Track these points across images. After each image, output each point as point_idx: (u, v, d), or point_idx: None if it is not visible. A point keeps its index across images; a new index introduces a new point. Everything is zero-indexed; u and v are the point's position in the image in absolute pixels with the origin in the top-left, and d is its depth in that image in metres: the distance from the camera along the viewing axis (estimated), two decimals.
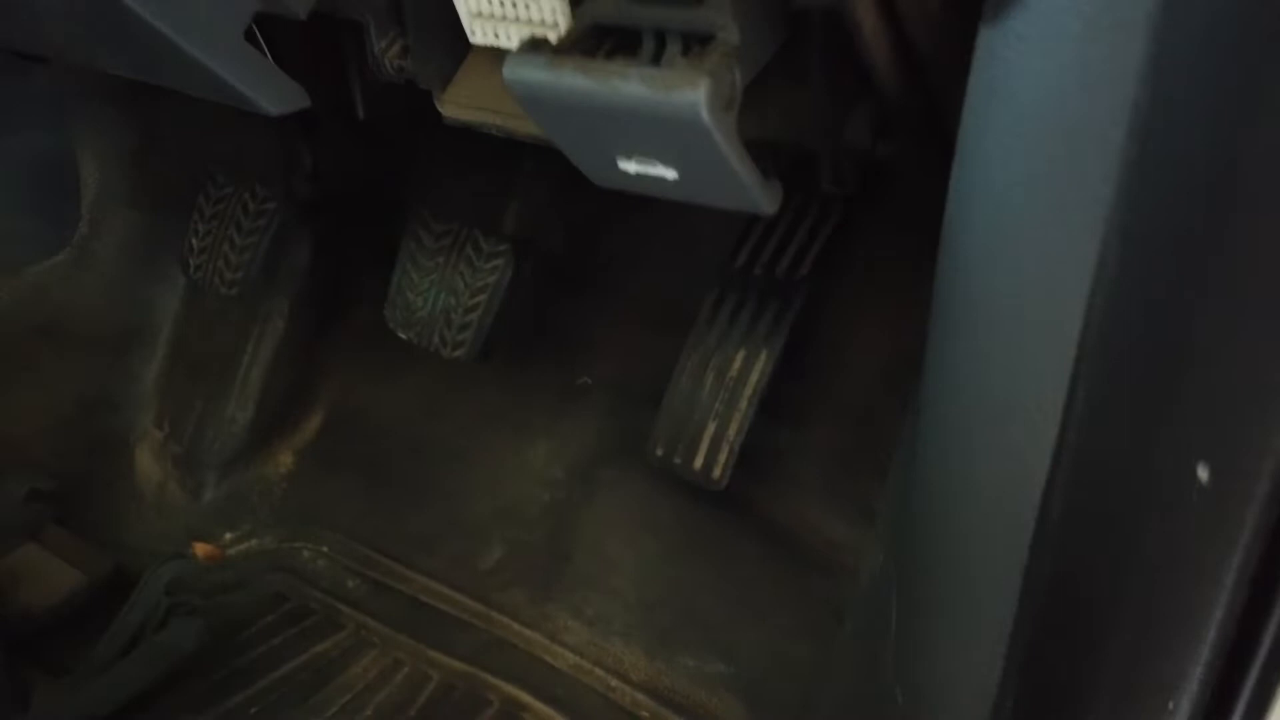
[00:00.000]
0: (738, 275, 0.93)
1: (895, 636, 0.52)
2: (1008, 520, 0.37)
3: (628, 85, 0.39)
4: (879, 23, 0.34)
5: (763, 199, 0.44)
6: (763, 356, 0.89)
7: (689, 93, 0.37)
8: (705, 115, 0.38)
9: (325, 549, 1.20)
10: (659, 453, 0.93)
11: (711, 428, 0.90)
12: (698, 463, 0.90)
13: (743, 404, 0.89)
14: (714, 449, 0.90)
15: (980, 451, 0.39)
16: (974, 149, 0.35)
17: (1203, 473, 0.30)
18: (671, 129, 0.39)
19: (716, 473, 0.89)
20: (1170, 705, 0.35)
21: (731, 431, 0.89)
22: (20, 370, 1.21)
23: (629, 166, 0.45)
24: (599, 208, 1.20)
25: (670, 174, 0.44)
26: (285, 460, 1.31)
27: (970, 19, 0.33)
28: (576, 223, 1.21)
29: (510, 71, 0.42)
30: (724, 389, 0.90)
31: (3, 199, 1.20)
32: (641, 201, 1.17)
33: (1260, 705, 0.34)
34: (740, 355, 0.90)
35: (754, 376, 0.89)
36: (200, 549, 1.21)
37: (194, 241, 1.11)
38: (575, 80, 0.40)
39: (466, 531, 1.16)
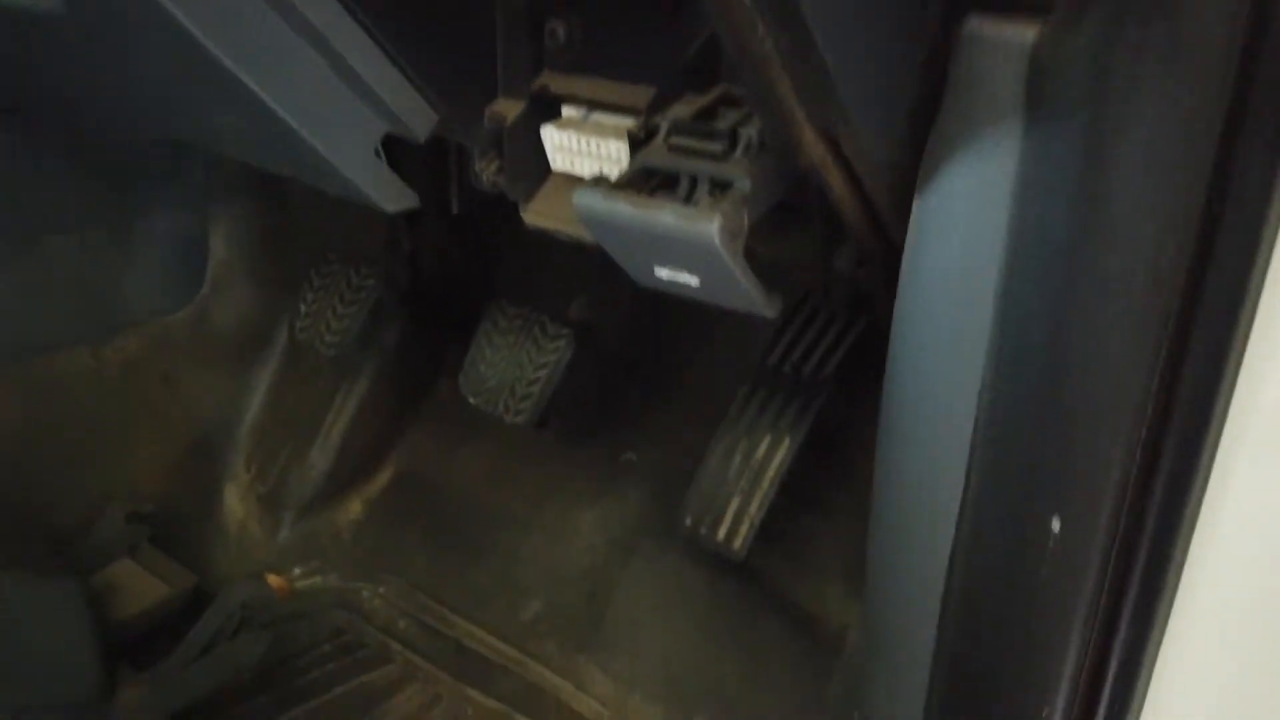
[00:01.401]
0: (769, 373, 1.05)
1: (860, 677, 0.62)
2: (927, 574, 0.48)
3: (662, 216, 0.52)
4: (846, 188, 0.47)
5: (765, 305, 0.57)
6: (786, 443, 1.00)
7: (706, 225, 0.51)
8: (717, 241, 0.51)
9: (382, 591, 1.32)
10: (687, 522, 1.04)
11: (735, 503, 1.01)
12: (721, 533, 1.01)
13: (765, 484, 1.00)
14: (736, 522, 1.00)
15: (908, 524, 0.50)
16: (907, 283, 0.47)
17: (1055, 524, 0.41)
18: (693, 250, 0.53)
19: (737, 544, 1.00)
20: (1045, 711, 0.45)
21: (753, 508, 1.00)
22: (141, 410, 1.38)
23: (662, 273, 0.58)
24: (664, 310, 1.35)
25: (694, 281, 0.57)
26: (355, 509, 1.45)
27: (908, 191, 0.46)
28: (641, 320, 1.35)
29: (578, 199, 0.56)
30: (749, 469, 1.01)
31: (144, 263, 1.39)
32: (701, 307, 1.32)
33: (1120, 709, 0.44)
34: (766, 441, 1.01)
35: (777, 460, 1.00)
36: (272, 581, 1.35)
37: (302, 307, 1.29)
38: (624, 209, 0.54)
39: (511, 587, 1.27)
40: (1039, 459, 0.41)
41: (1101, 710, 0.44)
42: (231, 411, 1.47)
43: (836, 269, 0.57)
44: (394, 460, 1.48)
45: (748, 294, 0.56)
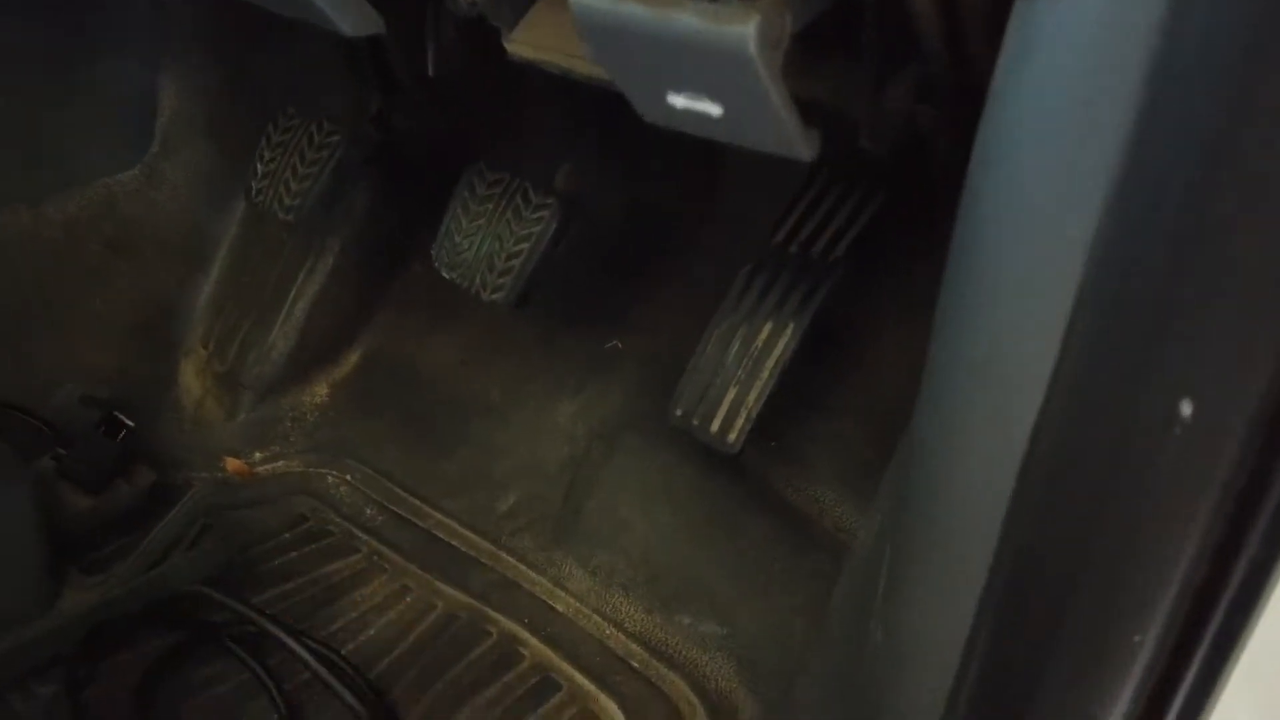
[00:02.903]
0: (774, 252, 0.95)
1: (884, 585, 0.54)
2: (997, 463, 0.40)
3: (683, 17, 0.42)
4: None
5: (801, 143, 0.47)
6: (789, 330, 0.91)
7: (739, 27, 0.40)
8: (753, 49, 0.40)
9: (349, 478, 1.24)
10: (678, 413, 0.96)
11: (732, 393, 0.92)
12: (715, 426, 0.93)
13: (764, 374, 0.91)
14: (732, 414, 0.92)
15: (976, 401, 0.41)
16: (1000, 105, 0.37)
17: (1186, 408, 0.32)
18: (720, 62, 0.42)
19: (732, 437, 0.92)
20: (1136, 638, 0.37)
21: (751, 399, 0.92)
22: (86, 279, 1.27)
23: (677, 101, 0.47)
24: (655, 189, 1.24)
25: (715, 110, 0.46)
26: (320, 392, 1.36)
27: None
28: (634, 199, 1.24)
29: (576, 0, 0.45)
30: (748, 358, 0.92)
31: (86, 117, 1.26)
32: (699, 186, 1.21)
33: (1227, 641, 0.37)
34: (767, 327, 0.92)
35: (778, 349, 0.91)
36: (231, 464, 1.26)
37: (259, 167, 1.16)
38: (634, 10, 0.43)
39: (486, 479, 1.19)
40: (1176, 324, 0.32)
41: (1206, 641, 0.36)
42: (187, 283, 1.36)
43: (889, 106, 0.47)
44: (362, 342, 1.38)
45: (782, 126, 0.45)
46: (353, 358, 1.38)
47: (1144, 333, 0.33)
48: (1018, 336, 0.36)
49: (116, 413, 1.14)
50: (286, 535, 1.15)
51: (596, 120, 1.18)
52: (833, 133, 0.49)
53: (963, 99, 0.44)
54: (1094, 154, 0.33)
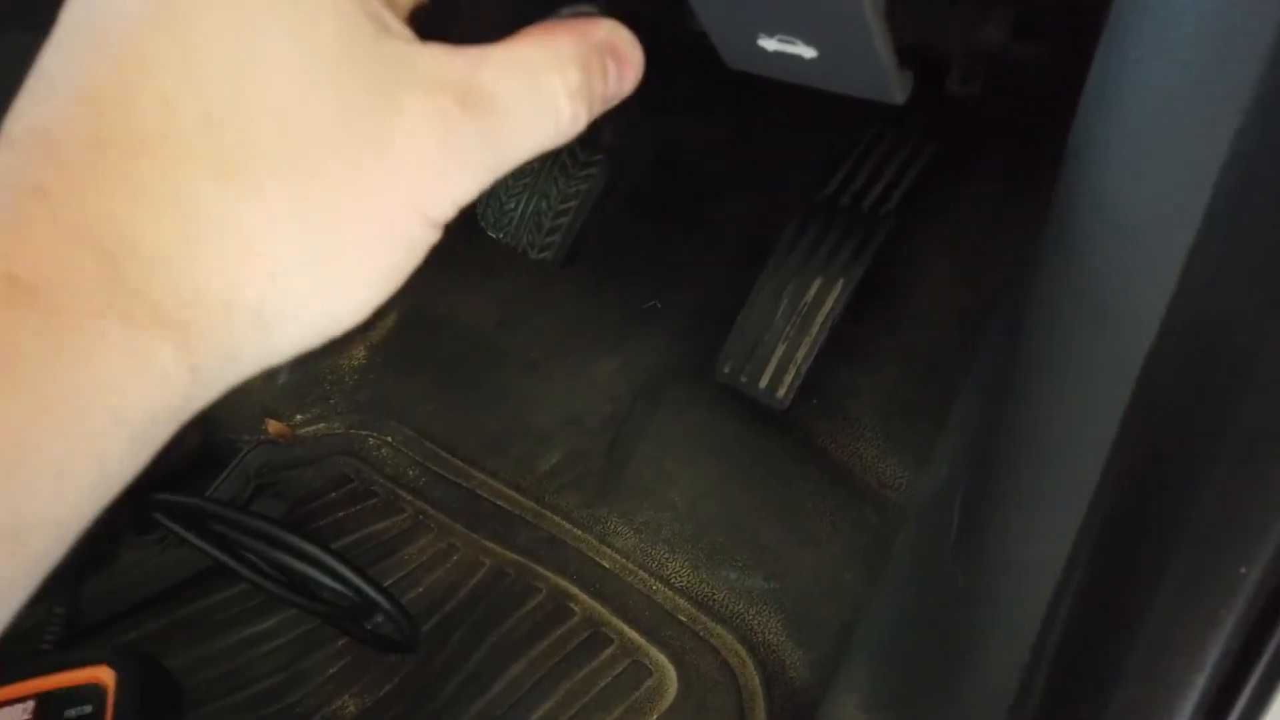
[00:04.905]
0: (824, 204, 0.95)
1: (958, 527, 0.55)
2: (1108, 387, 0.40)
3: None
4: None
5: (895, 86, 0.47)
6: (839, 285, 0.91)
7: None
8: None
9: (390, 439, 1.25)
10: (726, 370, 0.96)
11: (781, 349, 0.93)
12: (763, 382, 0.93)
13: (814, 329, 0.91)
14: (781, 370, 0.93)
15: (1089, 326, 0.42)
16: (1124, 27, 0.37)
17: None
18: (824, 1, 0.42)
19: (781, 392, 0.92)
20: (1242, 569, 0.37)
21: (800, 355, 0.92)
22: None
23: (769, 44, 0.47)
24: (693, 141, 1.23)
25: (809, 53, 0.46)
26: (357, 355, 1.36)
27: None
28: (668, 154, 1.24)
29: None
30: (797, 314, 0.93)
31: None
32: (734, 139, 1.20)
33: None
34: (817, 282, 0.92)
35: (828, 304, 0.92)
36: (273, 426, 1.28)
37: None
38: None
39: (528, 437, 1.20)
40: None
41: None
42: None
43: (985, 41, 0.47)
44: (397, 304, 1.38)
45: (878, 69, 0.45)
46: (388, 320, 1.39)
47: (1273, 250, 0.33)
48: (1138, 262, 0.36)
49: None
50: (332, 494, 1.17)
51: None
52: (921, 75, 0.48)
53: (1059, 36, 0.44)
54: (1230, 77, 0.33)
